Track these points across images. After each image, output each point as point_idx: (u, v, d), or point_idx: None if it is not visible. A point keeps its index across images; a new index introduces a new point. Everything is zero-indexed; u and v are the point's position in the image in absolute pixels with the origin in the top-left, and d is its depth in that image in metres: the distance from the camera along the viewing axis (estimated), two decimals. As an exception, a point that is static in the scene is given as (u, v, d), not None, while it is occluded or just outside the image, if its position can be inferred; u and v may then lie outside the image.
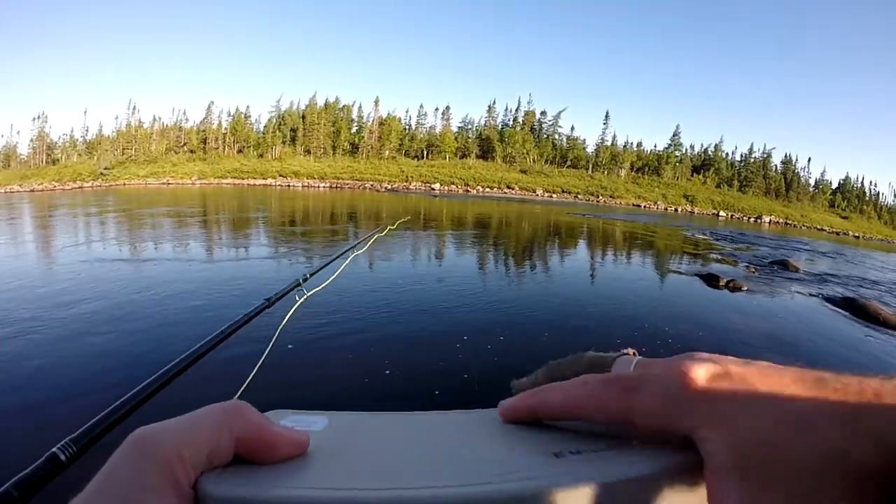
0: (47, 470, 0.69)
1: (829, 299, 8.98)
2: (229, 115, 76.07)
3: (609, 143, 77.29)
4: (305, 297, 1.95)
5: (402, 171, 67.22)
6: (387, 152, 74.94)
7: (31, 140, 70.66)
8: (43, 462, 0.70)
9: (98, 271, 7.69)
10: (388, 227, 4.61)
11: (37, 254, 9.79)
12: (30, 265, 8.40)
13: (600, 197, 63.41)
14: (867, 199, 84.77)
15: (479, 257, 11.02)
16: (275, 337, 1.73)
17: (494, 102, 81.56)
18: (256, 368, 1.64)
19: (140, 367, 3.90)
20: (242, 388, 1.60)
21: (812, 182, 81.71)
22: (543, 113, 79.10)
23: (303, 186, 57.89)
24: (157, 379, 1.01)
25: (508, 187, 64.43)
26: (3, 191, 46.66)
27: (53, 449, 0.72)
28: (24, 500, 0.65)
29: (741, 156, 79.48)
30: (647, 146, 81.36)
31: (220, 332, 1.29)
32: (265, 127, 76.03)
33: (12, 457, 2.54)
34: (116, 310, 5.54)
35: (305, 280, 2.03)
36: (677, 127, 78.46)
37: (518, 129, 76.94)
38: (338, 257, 2.69)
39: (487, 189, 63.35)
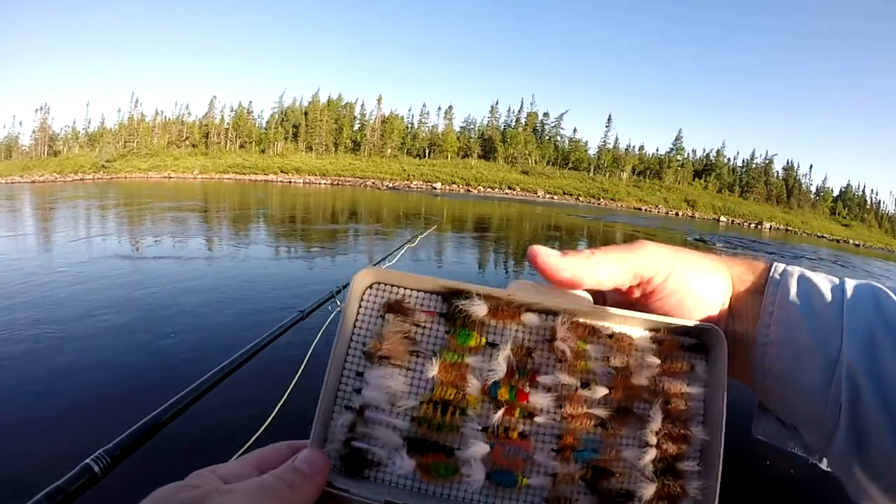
0: (81, 481, 0.69)
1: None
2: (232, 110, 76.13)
3: (611, 146, 77.35)
4: (339, 308, 1.91)
5: (404, 170, 67.23)
6: (389, 150, 74.94)
7: (33, 131, 70.64)
8: (77, 473, 0.69)
9: (122, 269, 7.72)
10: (418, 235, 4.57)
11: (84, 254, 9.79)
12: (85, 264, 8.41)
13: (601, 199, 63.44)
14: (868, 207, 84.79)
15: (496, 257, 11.05)
16: (309, 353, 1.71)
17: (497, 103, 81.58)
18: (292, 386, 1.62)
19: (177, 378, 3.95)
20: (276, 410, 1.65)
21: (813, 189, 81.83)
22: (546, 114, 79.19)
23: (304, 183, 57.88)
24: (190, 393, 1.00)
25: (510, 188, 64.46)
26: (4, 181, 46.65)
27: (87, 460, 0.72)
28: None
29: (743, 161, 79.63)
30: (649, 150, 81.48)
31: (253, 346, 1.27)
32: (267, 123, 76.01)
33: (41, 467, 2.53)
34: (149, 316, 5.43)
35: (339, 291, 2.01)
36: (679, 131, 78.81)
37: (520, 129, 76.94)
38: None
39: (489, 189, 63.37)
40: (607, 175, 74.76)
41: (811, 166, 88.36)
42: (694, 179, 76.18)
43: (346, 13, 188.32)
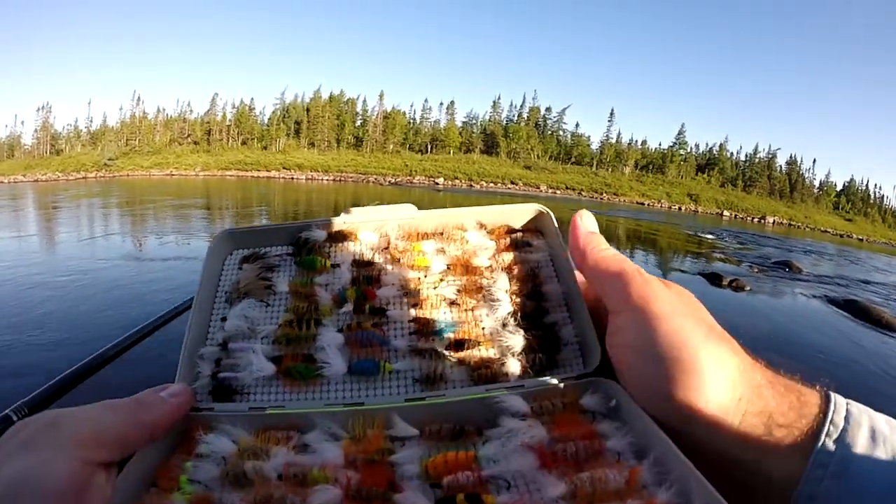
0: (0, 431, 0.81)
1: (831, 301, 8.97)
2: (233, 107, 76.03)
3: (613, 141, 77.00)
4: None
5: (406, 165, 67.10)
6: (391, 146, 74.77)
7: (36, 130, 70.68)
8: None
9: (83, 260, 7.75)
10: None
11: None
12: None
13: (604, 194, 63.23)
14: (871, 201, 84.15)
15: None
16: None
17: (499, 98, 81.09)
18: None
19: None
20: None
21: (816, 183, 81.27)
22: (548, 109, 78.85)
23: (306, 179, 57.84)
24: (101, 354, 1.09)
25: (512, 183, 64.30)
26: (7, 181, 46.77)
27: (7, 411, 0.78)
28: None
29: (746, 156, 79.08)
30: (652, 144, 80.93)
31: (143, 327, 1.31)
32: (269, 119, 75.91)
33: None
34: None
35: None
36: (682, 125, 78.14)
37: (523, 124, 76.64)
38: None
39: (491, 184, 63.22)
40: (610, 170, 74.45)
41: (814, 161, 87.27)
42: (697, 174, 75.79)
43: (347, 9, 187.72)
